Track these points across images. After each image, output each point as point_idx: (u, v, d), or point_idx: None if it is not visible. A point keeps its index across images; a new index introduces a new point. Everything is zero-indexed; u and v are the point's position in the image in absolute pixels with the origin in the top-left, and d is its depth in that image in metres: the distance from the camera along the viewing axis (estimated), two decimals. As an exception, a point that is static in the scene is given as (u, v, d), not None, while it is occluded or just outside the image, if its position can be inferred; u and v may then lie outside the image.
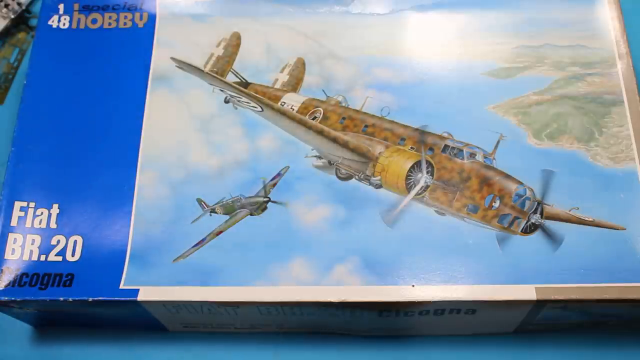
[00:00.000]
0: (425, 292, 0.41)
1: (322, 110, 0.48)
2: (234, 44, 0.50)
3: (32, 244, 0.44)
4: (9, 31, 0.60)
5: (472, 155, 0.44)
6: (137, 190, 0.45)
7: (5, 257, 0.43)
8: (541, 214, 0.43)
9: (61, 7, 0.51)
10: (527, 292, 0.40)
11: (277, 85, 0.49)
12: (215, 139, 0.46)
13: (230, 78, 0.49)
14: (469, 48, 0.49)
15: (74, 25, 0.51)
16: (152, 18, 0.51)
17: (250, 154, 0.46)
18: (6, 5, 0.59)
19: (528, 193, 0.43)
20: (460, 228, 0.43)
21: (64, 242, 0.44)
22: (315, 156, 0.46)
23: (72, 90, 0.49)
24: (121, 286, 0.41)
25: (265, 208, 0.44)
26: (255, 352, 0.47)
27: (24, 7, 0.60)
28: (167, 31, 0.50)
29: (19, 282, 0.42)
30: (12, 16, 0.59)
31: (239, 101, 0.48)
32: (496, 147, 0.45)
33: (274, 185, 0.44)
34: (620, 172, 0.44)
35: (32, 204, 0.45)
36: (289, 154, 0.46)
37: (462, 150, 0.45)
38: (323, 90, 0.48)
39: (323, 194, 0.44)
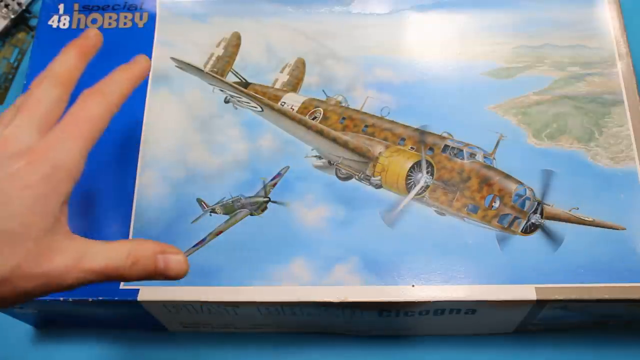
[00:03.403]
0: (425, 292, 0.41)
1: (322, 110, 0.48)
2: (234, 44, 0.50)
3: (32, 244, 0.44)
4: (9, 31, 0.60)
5: (472, 155, 0.44)
6: (137, 190, 0.45)
7: (5, 257, 0.43)
8: (541, 214, 0.43)
9: (61, 7, 0.51)
10: (527, 292, 0.40)
11: (277, 85, 0.49)
12: (215, 139, 0.46)
13: (230, 78, 0.49)
14: (468, 48, 0.49)
15: (74, 25, 0.51)
16: (152, 18, 0.51)
17: (250, 154, 0.46)
18: (6, 5, 0.59)
19: (528, 193, 0.43)
20: (460, 228, 0.43)
21: (64, 242, 0.43)
22: (316, 156, 0.46)
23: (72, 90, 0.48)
24: (121, 286, 0.41)
25: (266, 208, 0.44)
26: (255, 352, 0.47)
27: (24, 7, 0.60)
28: (167, 31, 0.50)
29: (19, 282, 0.42)
30: (12, 16, 0.59)
31: (239, 101, 0.48)
32: (496, 147, 0.45)
33: (274, 185, 0.44)
34: (620, 172, 0.44)
35: (32, 204, 0.45)
36: (289, 154, 0.46)
37: (462, 150, 0.45)
38: (323, 90, 0.48)
39: (323, 194, 0.44)
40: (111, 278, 0.31)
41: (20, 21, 0.60)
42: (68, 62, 0.34)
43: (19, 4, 0.60)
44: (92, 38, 0.36)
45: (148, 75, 0.48)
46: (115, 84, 0.35)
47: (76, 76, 0.34)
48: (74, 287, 0.30)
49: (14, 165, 0.29)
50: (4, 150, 0.30)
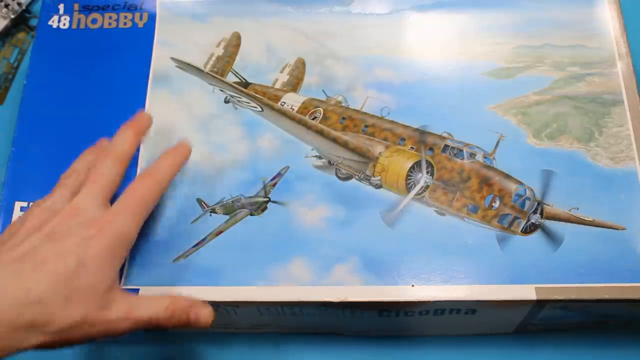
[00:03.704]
0: (425, 292, 0.41)
1: (322, 110, 0.48)
2: (234, 44, 0.50)
3: (32, 244, 0.44)
4: (9, 31, 0.60)
5: (472, 155, 0.44)
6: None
7: (5, 257, 0.43)
8: (541, 214, 0.43)
9: (61, 7, 0.51)
10: (527, 292, 0.40)
11: (277, 85, 0.49)
12: (215, 139, 0.47)
13: (230, 78, 0.49)
14: (469, 48, 0.49)
15: (74, 26, 0.51)
16: (152, 18, 0.51)
17: (250, 154, 0.46)
18: (6, 5, 0.59)
19: (528, 193, 0.43)
20: (460, 228, 0.43)
21: (64, 242, 0.43)
22: (315, 156, 0.46)
23: (72, 90, 0.49)
24: (121, 286, 0.41)
25: (266, 208, 0.44)
26: (255, 352, 0.47)
27: (24, 7, 0.60)
28: (167, 31, 0.50)
29: (19, 282, 0.42)
30: (12, 16, 0.60)
31: (239, 101, 0.48)
32: (496, 147, 0.45)
33: (274, 185, 0.44)
34: (620, 172, 0.44)
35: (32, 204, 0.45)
36: (289, 154, 0.46)
37: (462, 150, 0.45)
38: (323, 90, 0.48)
39: (323, 194, 0.44)
40: (153, 327, 0.37)
41: (20, 21, 0.61)
42: (126, 141, 0.41)
43: (19, 4, 0.60)
44: (145, 119, 0.43)
45: (148, 75, 0.48)
46: (165, 168, 0.41)
47: (133, 153, 0.41)
48: (125, 333, 0.37)
49: (87, 233, 0.36)
50: (76, 218, 0.37)
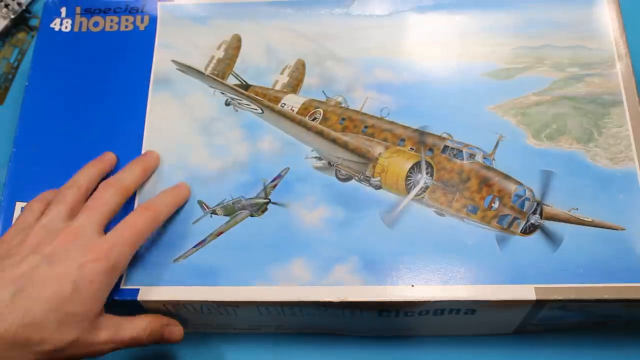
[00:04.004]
0: (424, 292, 0.41)
1: (322, 111, 0.48)
2: (235, 46, 0.50)
3: (33, 245, 0.44)
4: (9, 31, 0.60)
5: (472, 156, 0.45)
6: (139, 191, 0.45)
7: (7, 258, 0.43)
8: (540, 214, 0.43)
9: (63, 10, 0.52)
10: (526, 292, 0.40)
11: (277, 87, 0.49)
12: (216, 141, 0.47)
13: (231, 80, 0.49)
14: (469, 49, 0.49)
15: (76, 29, 0.51)
16: (153, 21, 0.51)
17: (251, 156, 0.46)
18: (6, 5, 0.60)
19: (527, 193, 0.43)
20: (460, 228, 0.43)
21: (66, 243, 0.44)
22: (315, 157, 0.46)
23: (74, 92, 0.49)
24: (121, 286, 0.42)
25: (266, 209, 0.44)
26: (255, 352, 0.47)
27: (24, 7, 0.60)
28: (168, 34, 0.50)
29: (20, 283, 0.42)
30: (12, 16, 0.60)
31: (239, 103, 0.48)
32: (496, 147, 0.45)
33: (274, 186, 0.45)
34: (620, 173, 0.44)
35: (33, 205, 0.45)
36: (289, 156, 0.46)
37: (461, 151, 0.45)
38: (323, 91, 0.48)
39: (323, 195, 0.44)
40: (134, 346, 0.41)
41: (20, 21, 0.61)
42: (133, 175, 0.44)
43: (19, 4, 0.60)
44: (154, 159, 0.45)
45: (149, 78, 0.48)
46: (164, 204, 0.43)
47: (136, 187, 0.44)
48: (108, 353, 0.40)
49: (84, 258, 0.38)
50: (75, 241, 0.38)
